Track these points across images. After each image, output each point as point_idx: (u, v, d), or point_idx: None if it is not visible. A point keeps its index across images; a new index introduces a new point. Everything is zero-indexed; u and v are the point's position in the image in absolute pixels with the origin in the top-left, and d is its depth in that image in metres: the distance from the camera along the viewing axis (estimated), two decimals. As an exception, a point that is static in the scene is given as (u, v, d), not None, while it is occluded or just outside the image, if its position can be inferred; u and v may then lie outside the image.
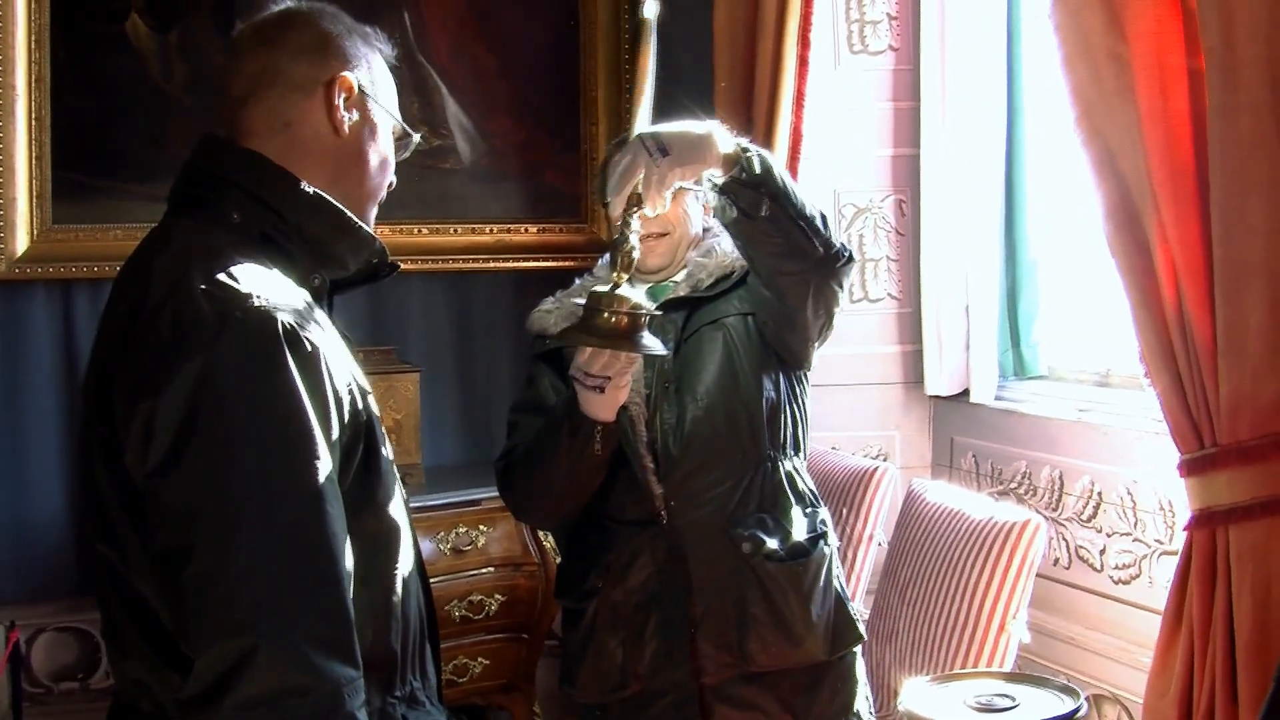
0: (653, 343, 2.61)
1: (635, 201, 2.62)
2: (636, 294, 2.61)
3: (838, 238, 2.88)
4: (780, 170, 2.76)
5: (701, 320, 3.03)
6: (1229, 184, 2.67)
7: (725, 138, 2.70)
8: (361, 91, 2.10)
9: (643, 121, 2.65)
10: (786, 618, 2.96)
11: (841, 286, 2.95)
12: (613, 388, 2.74)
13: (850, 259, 2.93)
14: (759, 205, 2.71)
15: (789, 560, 2.97)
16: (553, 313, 3.13)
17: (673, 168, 2.61)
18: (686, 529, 2.96)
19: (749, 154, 2.71)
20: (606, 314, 2.56)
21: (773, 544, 2.97)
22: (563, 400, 2.90)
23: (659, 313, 2.71)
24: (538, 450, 2.93)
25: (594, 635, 3.01)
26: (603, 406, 2.79)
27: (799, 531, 3.01)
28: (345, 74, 2.08)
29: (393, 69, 2.22)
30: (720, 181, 2.71)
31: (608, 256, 3.20)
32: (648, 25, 2.64)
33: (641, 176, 2.60)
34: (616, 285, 2.57)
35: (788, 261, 2.83)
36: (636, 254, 2.60)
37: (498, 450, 4.89)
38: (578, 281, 3.23)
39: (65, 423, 4.59)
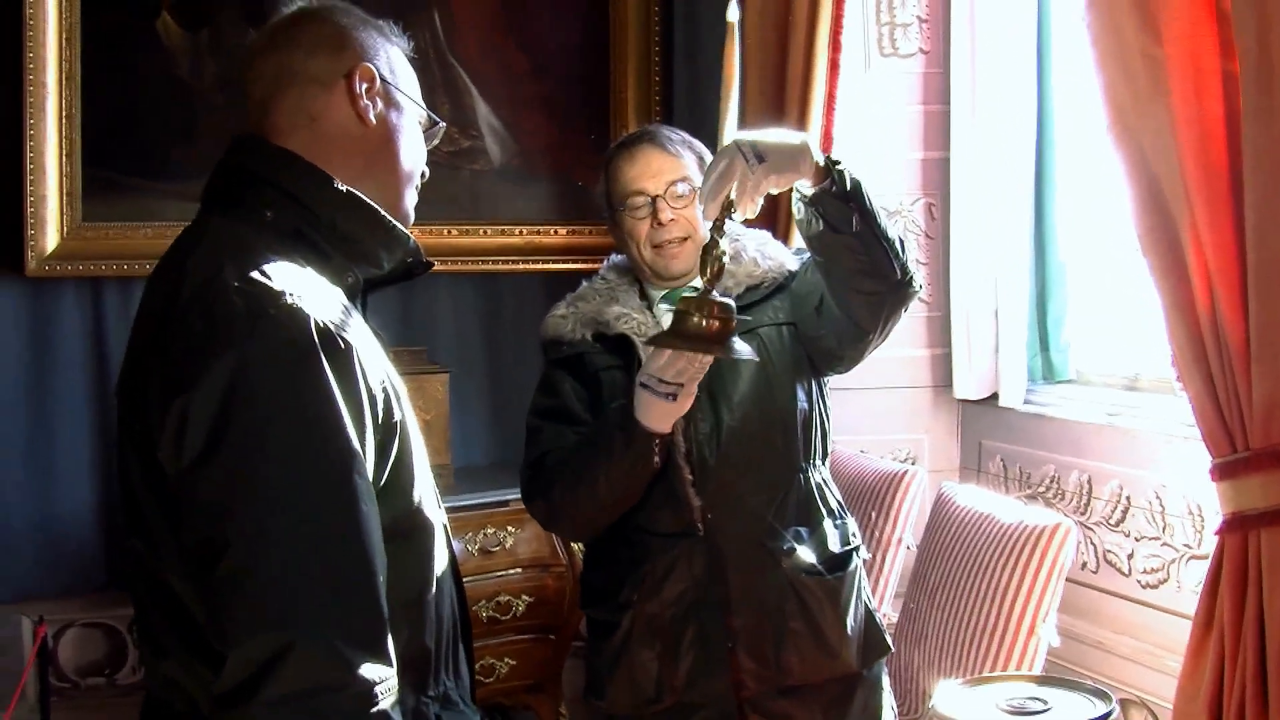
0: (743, 347, 2.59)
1: (727, 206, 2.59)
2: (726, 298, 2.58)
3: (911, 263, 2.87)
4: (869, 187, 2.74)
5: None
6: (1263, 186, 2.66)
7: (818, 149, 2.69)
8: (383, 80, 2.10)
9: (731, 124, 2.63)
10: (824, 631, 2.95)
11: (906, 310, 2.94)
12: (684, 395, 2.71)
13: (917, 287, 2.91)
14: (848, 220, 2.69)
15: (827, 574, 2.97)
16: (568, 318, 3.10)
17: (768, 175, 2.58)
18: (725, 541, 2.94)
19: (840, 167, 2.69)
20: (698, 318, 2.52)
21: (810, 558, 2.96)
22: (615, 411, 2.85)
23: (748, 318, 2.67)
24: (583, 462, 2.89)
25: (628, 648, 2.99)
26: (666, 417, 2.76)
27: (833, 544, 3.01)
28: (364, 64, 2.08)
29: (416, 64, 2.22)
30: (810, 193, 2.69)
31: (614, 258, 3.20)
32: (731, 28, 2.60)
33: (736, 182, 2.57)
34: (708, 290, 2.54)
35: (867, 280, 2.80)
36: (727, 259, 2.58)
37: (526, 452, 4.87)
38: (585, 284, 3.20)
39: (93, 420, 4.61)
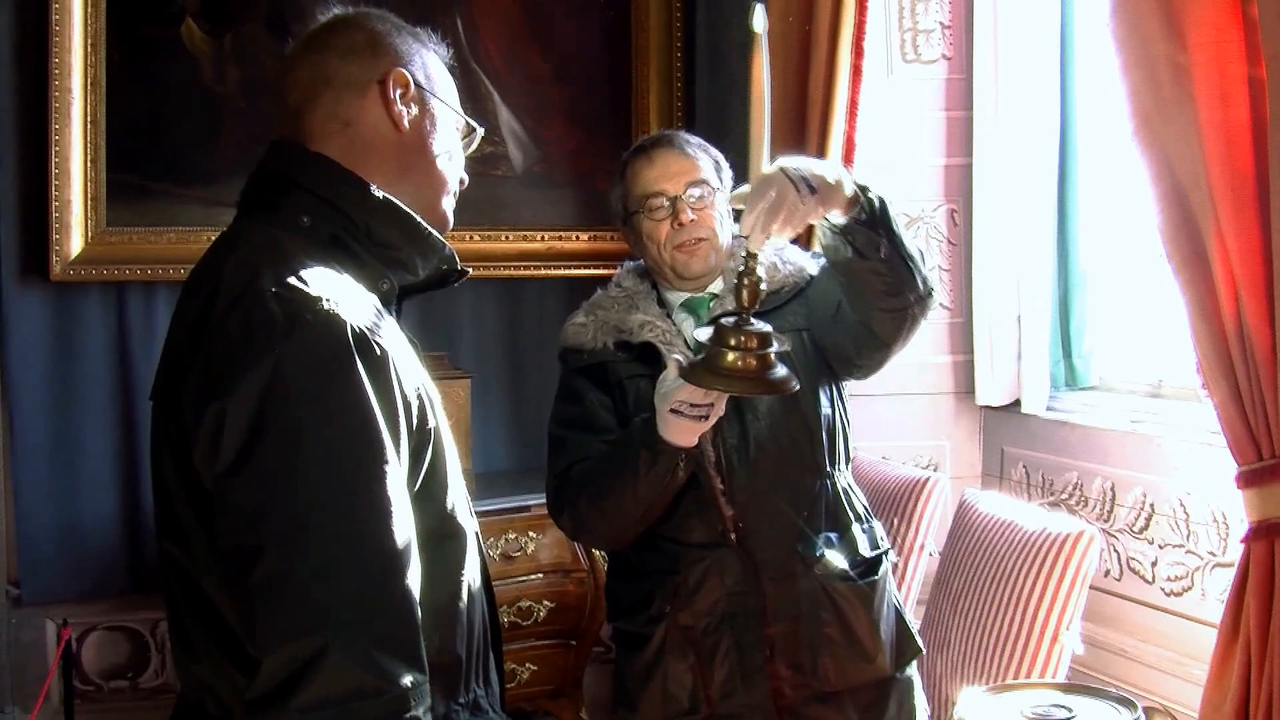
0: (787, 375, 2.55)
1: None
2: (763, 325, 2.53)
3: (932, 276, 2.88)
4: (893, 208, 2.74)
5: None
6: (1290, 194, 2.66)
7: (850, 179, 2.68)
8: (418, 86, 2.10)
9: (765, 143, 2.56)
10: (859, 636, 2.95)
11: (926, 319, 2.93)
12: (714, 413, 2.69)
13: (937, 298, 2.94)
14: (878, 246, 2.69)
15: (859, 580, 2.97)
16: (587, 326, 3.09)
17: (817, 207, 2.58)
18: (759, 549, 2.93)
19: (869, 193, 2.68)
20: (734, 356, 2.47)
21: (842, 563, 2.96)
22: (638, 425, 2.83)
23: (788, 347, 2.63)
24: (607, 476, 2.87)
25: (661, 660, 2.98)
26: (693, 434, 2.73)
27: (863, 548, 3.01)
28: (399, 69, 2.09)
29: (450, 69, 2.23)
30: (841, 222, 2.68)
31: (627, 265, 3.19)
32: (758, 39, 2.49)
33: (785, 212, 2.54)
34: (745, 321, 2.49)
35: (891, 299, 2.80)
36: (764, 287, 2.55)
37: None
38: (600, 292, 3.19)
39: (118, 423, 4.63)
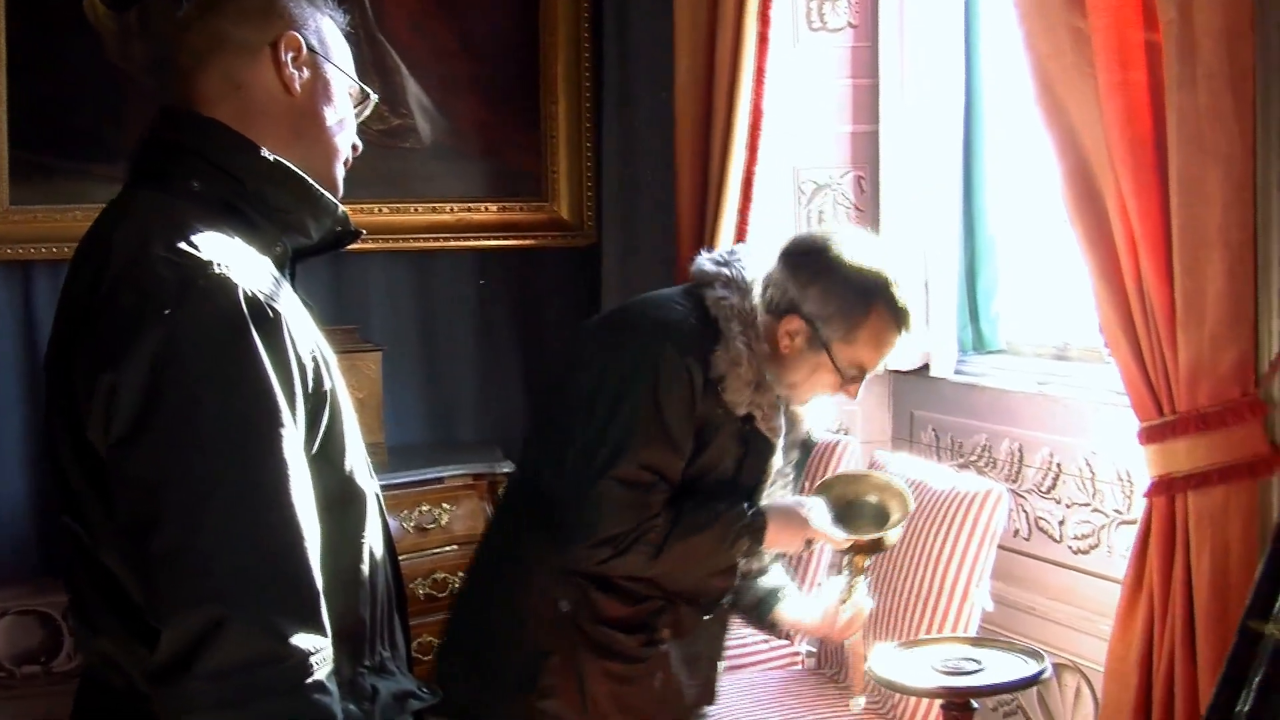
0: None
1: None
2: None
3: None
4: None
5: None
6: (1187, 154, 2.71)
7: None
8: (310, 50, 2.08)
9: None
10: None
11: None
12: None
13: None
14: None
15: None
16: (746, 388, 2.97)
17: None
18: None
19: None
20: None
21: None
22: (747, 515, 3.00)
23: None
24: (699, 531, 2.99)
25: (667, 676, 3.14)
26: (791, 550, 3.22)
27: None
28: (291, 33, 2.06)
29: (347, 36, 2.21)
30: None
31: (731, 302, 3.02)
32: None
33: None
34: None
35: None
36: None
37: (460, 428, 4.89)
38: (729, 348, 2.96)
39: (24, 405, 4.56)
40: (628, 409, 2.90)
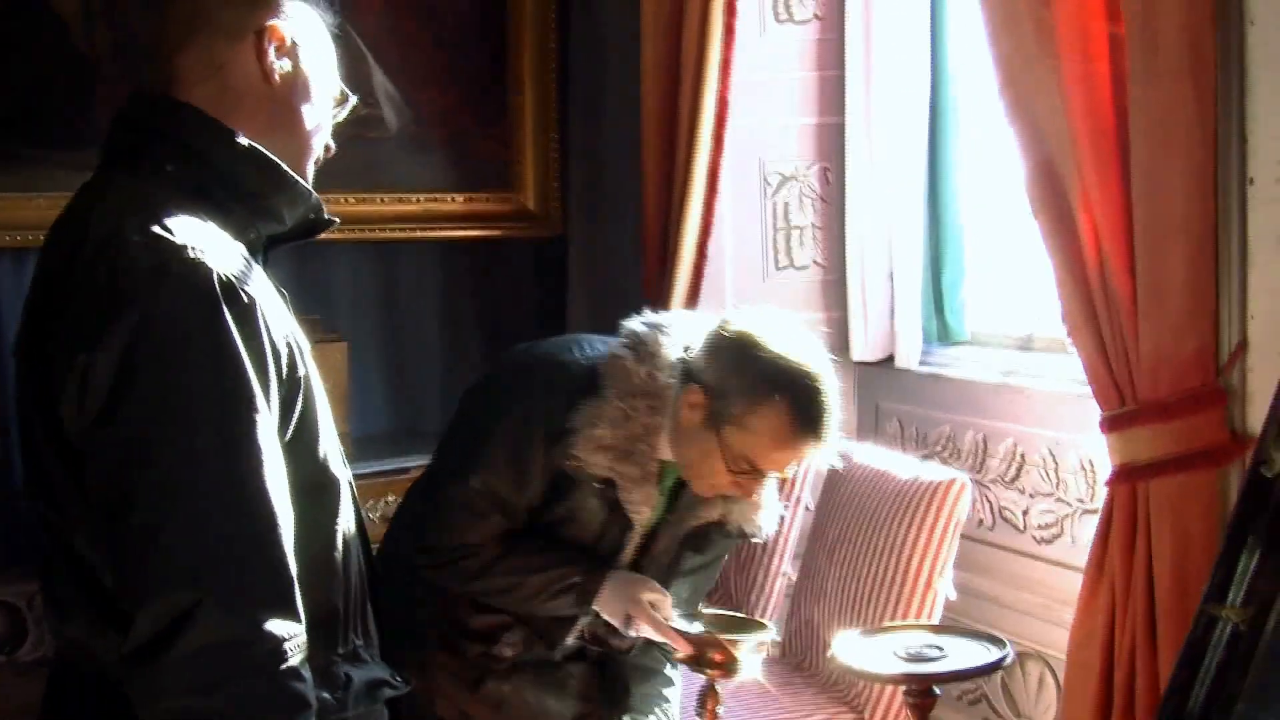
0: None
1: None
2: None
3: None
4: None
5: None
6: (1149, 146, 2.74)
7: None
8: (294, 43, 2.08)
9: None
10: None
11: None
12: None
13: None
14: None
15: None
16: (606, 453, 2.90)
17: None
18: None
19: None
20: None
21: None
22: (581, 574, 3.00)
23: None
24: (519, 587, 3.02)
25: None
26: (620, 622, 3.03)
27: None
28: (276, 23, 2.06)
29: (334, 37, 2.21)
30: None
31: (641, 380, 2.94)
32: None
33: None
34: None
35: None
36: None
37: (425, 419, 4.87)
38: (613, 403, 2.90)
39: (-12, 394, 4.54)
40: (485, 428, 2.95)
